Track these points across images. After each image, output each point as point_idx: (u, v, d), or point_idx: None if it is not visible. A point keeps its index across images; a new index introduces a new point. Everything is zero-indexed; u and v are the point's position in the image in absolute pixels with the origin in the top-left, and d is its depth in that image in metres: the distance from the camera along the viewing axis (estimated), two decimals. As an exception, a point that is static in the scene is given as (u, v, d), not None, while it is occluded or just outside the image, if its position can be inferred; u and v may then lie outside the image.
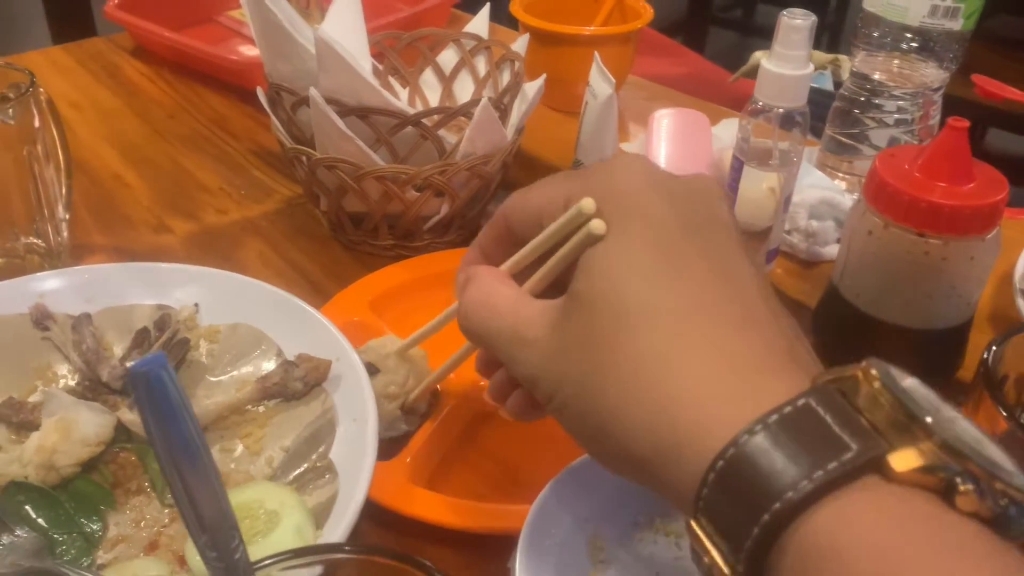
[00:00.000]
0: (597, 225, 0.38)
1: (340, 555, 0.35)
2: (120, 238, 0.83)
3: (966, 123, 0.62)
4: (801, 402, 0.32)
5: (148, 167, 0.95)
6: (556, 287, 0.41)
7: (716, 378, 0.34)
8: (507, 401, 0.48)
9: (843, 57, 1.51)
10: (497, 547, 0.55)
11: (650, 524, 0.55)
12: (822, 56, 1.72)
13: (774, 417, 0.31)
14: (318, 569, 0.36)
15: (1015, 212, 0.80)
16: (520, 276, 0.45)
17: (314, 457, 0.57)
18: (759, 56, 1.74)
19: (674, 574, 0.53)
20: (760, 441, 0.31)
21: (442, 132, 0.73)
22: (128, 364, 0.62)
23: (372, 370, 0.61)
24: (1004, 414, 0.44)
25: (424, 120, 0.71)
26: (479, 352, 0.51)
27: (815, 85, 1.52)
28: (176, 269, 0.69)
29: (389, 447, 0.60)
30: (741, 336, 0.35)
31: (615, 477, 0.55)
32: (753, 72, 1.81)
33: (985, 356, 0.47)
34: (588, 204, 0.38)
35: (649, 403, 0.34)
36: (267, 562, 0.34)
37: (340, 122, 0.70)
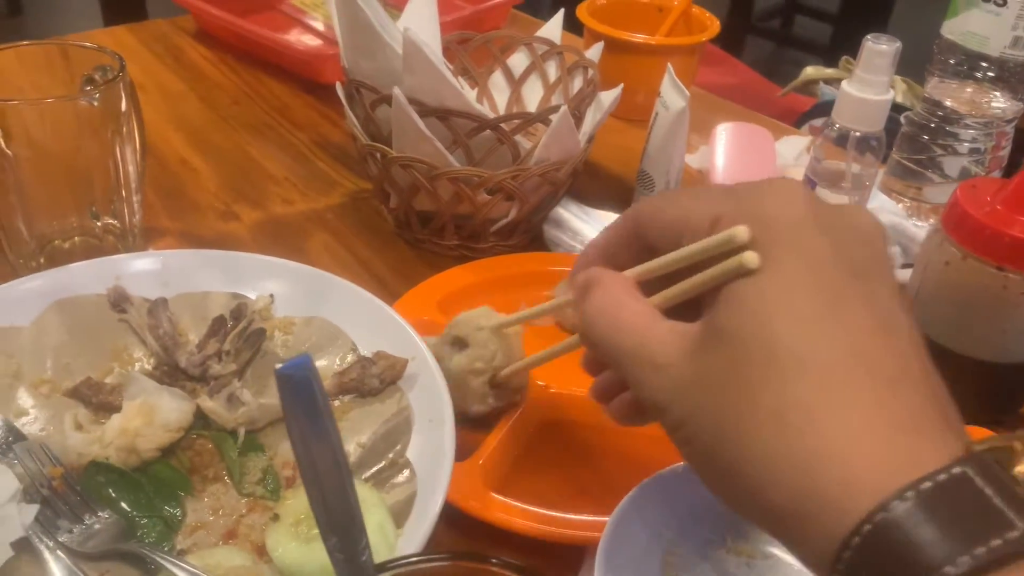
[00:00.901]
0: (751, 258, 0.36)
1: (465, 562, 0.35)
2: (188, 223, 0.84)
3: (1054, 159, 0.62)
4: (957, 470, 0.31)
5: (214, 153, 0.96)
6: (685, 307, 0.40)
7: (866, 436, 0.32)
8: (611, 403, 0.48)
9: (897, 78, 1.50)
10: (565, 556, 0.56)
11: (722, 542, 0.56)
12: (823, 72, 1.71)
13: (927, 484, 0.30)
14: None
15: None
16: (645, 286, 0.43)
17: (391, 455, 0.58)
18: (810, 72, 1.74)
19: (748, 595, 0.53)
20: (911, 509, 0.30)
21: (517, 137, 0.74)
22: (220, 350, 0.62)
23: (461, 344, 0.61)
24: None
25: (503, 125, 0.72)
26: (587, 351, 0.50)
27: (827, 99, 1.52)
28: (251, 258, 0.70)
29: (461, 448, 0.60)
30: (895, 393, 0.34)
31: (691, 493, 0.55)
32: (803, 87, 1.80)
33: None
34: (742, 233, 0.36)
35: (791, 455, 0.33)
36: (396, 564, 0.34)
37: (420, 122, 0.71)
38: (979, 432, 0.61)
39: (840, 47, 3.05)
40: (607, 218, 0.88)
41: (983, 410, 0.63)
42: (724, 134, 1.00)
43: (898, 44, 0.73)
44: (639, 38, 1.04)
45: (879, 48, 0.72)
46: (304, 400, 0.30)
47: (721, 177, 0.93)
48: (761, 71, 1.98)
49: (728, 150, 0.98)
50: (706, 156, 1.00)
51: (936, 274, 0.67)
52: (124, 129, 0.71)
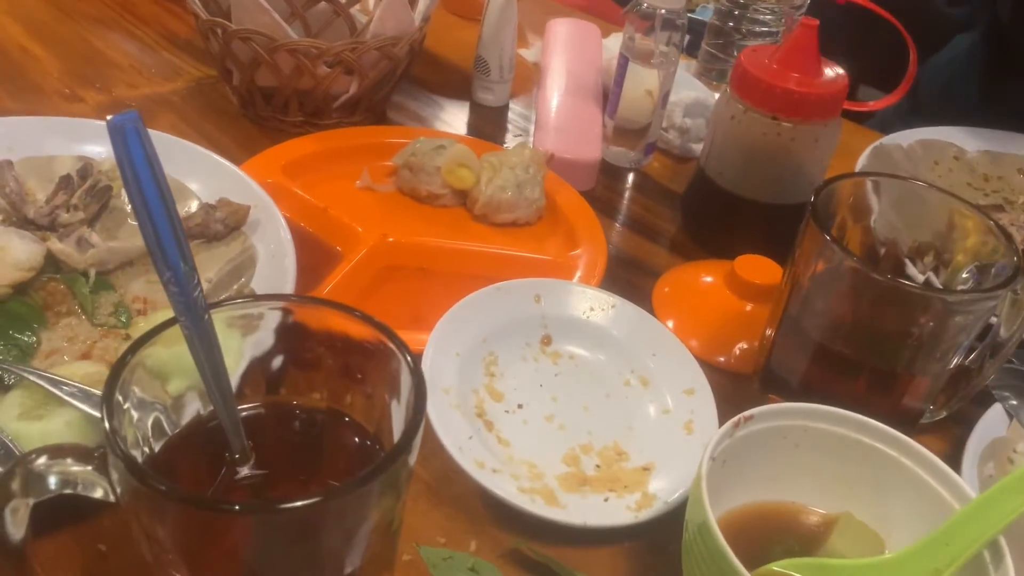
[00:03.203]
0: None
1: (290, 302, 0.41)
2: (31, 104, 0.85)
3: (816, 22, 0.72)
4: None
5: (56, 42, 0.96)
6: None
7: None
8: None
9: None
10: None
11: (534, 346, 0.64)
12: None
13: None
14: (269, 321, 0.42)
15: (855, 105, 0.91)
16: None
17: (235, 287, 0.63)
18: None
19: (553, 384, 0.62)
20: None
21: (354, 11, 0.79)
22: (67, 202, 0.66)
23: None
24: (827, 237, 0.53)
25: (337, -3, 0.77)
26: None
27: (699, 17, 1.63)
28: (96, 124, 0.73)
29: (310, 284, 0.66)
30: None
31: (504, 308, 0.63)
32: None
33: (813, 196, 0.57)
34: None
35: None
36: (226, 302, 0.40)
37: (258, -6, 0.74)
38: (766, 263, 0.71)
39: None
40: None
41: (764, 245, 0.73)
42: (556, 29, 1.08)
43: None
44: (475, -64, 1.09)
45: (677, -68, 0.80)
46: (133, 146, 0.35)
47: (550, 67, 1.00)
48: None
49: (559, 45, 1.05)
50: (540, 51, 1.08)
51: (724, 128, 0.76)
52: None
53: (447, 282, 0.72)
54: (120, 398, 0.36)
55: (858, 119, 1.07)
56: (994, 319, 0.58)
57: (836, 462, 0.50)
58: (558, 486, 0.54)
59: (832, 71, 0.74)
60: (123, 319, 0.61)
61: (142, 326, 0.59)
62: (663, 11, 0.84)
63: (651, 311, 0.70)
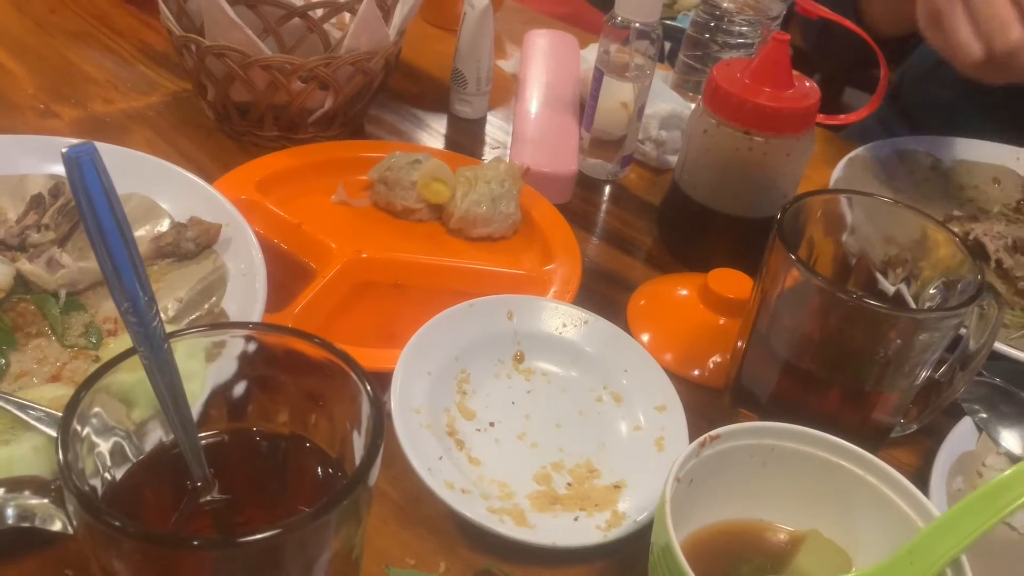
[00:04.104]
0: None
1: (252, 330, 0.41)
2: (6, 122, 0.85)
3: (787, 37, 0.72)
4: None
5: (30, 57, 0.96)
6: None
7: None
8: None
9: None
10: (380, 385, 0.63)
11: (507, 363, 0.64)
12: (689, 0, 1.83)
13: None
14: (232, 349, 0.42)
15: (828, 118, 0.91)
16: None
17: (207, 306, 0.63)
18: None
19: (526, 401, 0.62)
20: None
21: (328, 27, 0.78)
22: (38, 222, 0.65)
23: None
24: (792, 256, 0.54)
25: (310, 12, 0.76)
26: None
27: (679, 24, 1.63)
28: (68, 143, 0.72)
29: (280, 302, 0.66)
30: None
31: (477, 325, 0.63)
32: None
33: (779, 214, 0.57)
34: None
35: None
36: (183, 332, 0.40)
37: (230, 10, 0.74)
38: (739, 277, 0.71)
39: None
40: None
41: (738, 258, 0.73)
42: (534, 40, 1.08)
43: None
44: (452, -52, 1.09)
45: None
46: (90, 177, 0.35)
47: (528, 79, 1.00)
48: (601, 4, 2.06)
49: (536, 56, 1.05)
50: (519, 62, 1.08)
51: (697, 142, 0.76)
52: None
53: (422, 298, 0.72)
54: (78, 427, 0.36)
55: (836, 128, 1.08)
56: (964, 330, 0.58)
57: (803, 480, 0.51)
58: (529, 505, 0.54)
59: (804, 83, 0.74)
60: (93, 340, 0.60)
61: (112, 347, 0.58)
62: (638, 24, 0.84)
63: (626, 324, 0.70)
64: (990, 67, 0.76)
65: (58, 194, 0.69)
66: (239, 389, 0.43)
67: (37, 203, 0.67)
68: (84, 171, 0.35)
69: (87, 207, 0.36)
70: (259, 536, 0.32)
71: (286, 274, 0.70)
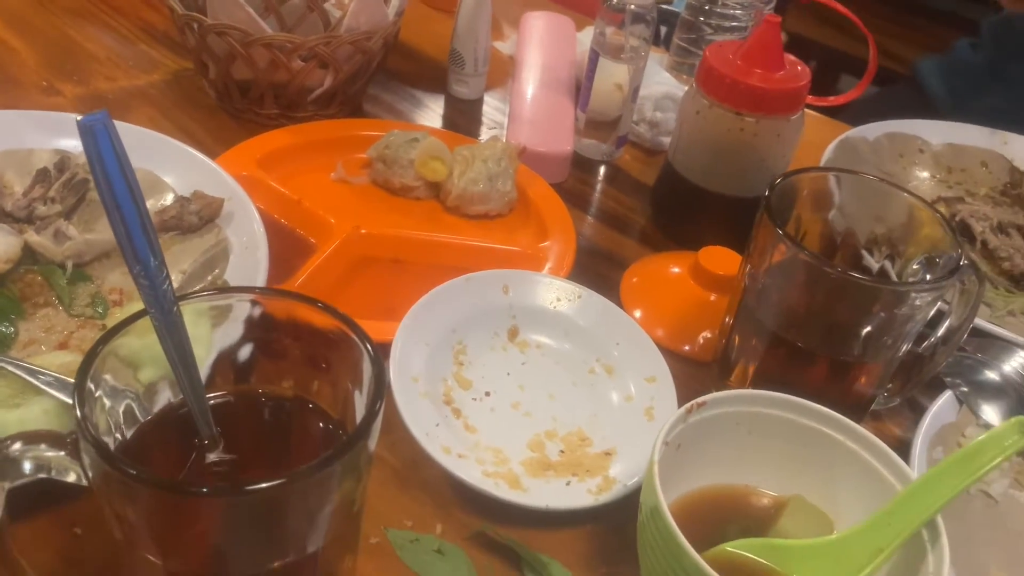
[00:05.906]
0: None
1: (257, 294, 0.43)
2: (9, 98, 0.86)
3: (779, 19, 0.74)
4: None
5: (33, 34, 0.97)
6: None
7: None
8: None
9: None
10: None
11: (502, 336, 0.66)
12: None
13: None
14: (238, 312, 0.43)
15: (818, 100, 0.93)
16: None
17: (210, 278, 0.64)
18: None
19: (520, 372, 0.64)
20: None
21: (328, 6, 0.80)
22: (45, 195, 0.67)
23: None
24: (779, 231, 0.55)
25: (311, -8, 0.78)
26: None
27: (674, 8, 1.64)
28: (73, 118, 0.73)
29: (283, 275, 0.67)
30: None
31: (473, 299, 0.65)
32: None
33: (768, 191, 0.58)
34: None
35: None
36: (195, 294, 0.41)
37: (232, -11, 0.76)
38: (729, 254, 0.73)
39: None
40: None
41: (729, 237, 0.75)
42: (531, 22, 1.09)
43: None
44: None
45: (647, -71, 0.82)
46: (103, 145, 0.37)
47: (524, 61, 1.01)
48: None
49: (533, 38, 1.07)
50: (515, 43, 1.09)
51: (690, 123, 0.78)
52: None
53: (419, 273, 0.73)
54: (92, 386, 0.38)
55: (831, 112, 1.10)
56: (945, 306, 0.60)
57: (787, 447, 0.52)
58: (523, 471, 0.56)
59: (795, 65, 0.76)
60: (100, 310, 0.62)
61: (118, 316, 0.60)
62: (633, 6, 0.85)
63: (619, 301, 0.72)
64: None
65: (64, 168, 0.70)
66: (244, 352, 0.44)
67: (43, 177, 0.69)
68: (98, 138, 0.37)
69: (101, 173, 0.37)
70: (267, 484, 0.33)
71: (287, 249, 0.71)
